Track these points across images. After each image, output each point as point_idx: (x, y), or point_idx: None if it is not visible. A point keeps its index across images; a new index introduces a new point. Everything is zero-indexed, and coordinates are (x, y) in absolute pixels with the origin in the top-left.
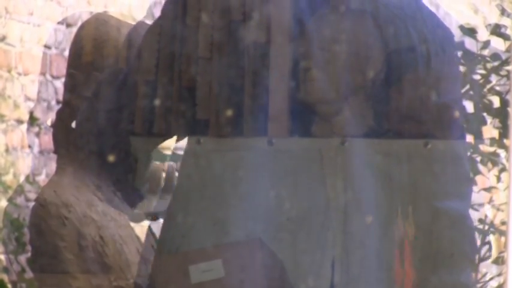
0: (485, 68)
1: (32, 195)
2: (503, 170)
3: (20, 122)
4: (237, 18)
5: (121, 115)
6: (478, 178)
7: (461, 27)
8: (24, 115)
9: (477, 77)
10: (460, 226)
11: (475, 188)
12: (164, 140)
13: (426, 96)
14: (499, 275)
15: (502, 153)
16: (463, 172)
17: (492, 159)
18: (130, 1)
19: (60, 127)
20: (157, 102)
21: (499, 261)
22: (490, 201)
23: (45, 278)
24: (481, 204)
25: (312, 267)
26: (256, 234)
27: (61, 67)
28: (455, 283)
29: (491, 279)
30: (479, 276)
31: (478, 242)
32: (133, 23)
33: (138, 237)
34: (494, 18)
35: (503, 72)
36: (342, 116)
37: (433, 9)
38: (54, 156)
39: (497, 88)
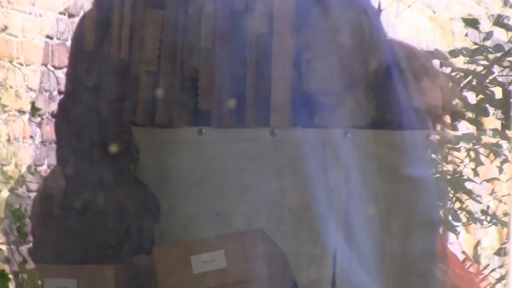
0: (487, 59)
1: (34, 186)
2: (505, 161)
3: (21, 112)
4: (239, 8)
5: (123, 105)
6: (480, 169)
7: (464, 19)
8: (26, 105)
9: (479, 68)
10: (428, 197)
11: (477, 179)
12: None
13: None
14: (501, 266)
15: (504, 144)
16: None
17: (494, 150)
18: None
19: (62, 117)
20: (159, 92)
21: (501, 252)
22: (492, 192)
23: (47, 268)
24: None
25: (313, 258)
26: (258, 225)
27: (63, 57)
28: (423, 250)
29: (493, 270)
30: (481, 267)
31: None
32: None
33: None
34: (497, 9)
35: (505, 63)
36: (345, 107)
37: (435, 1)
38: (55, 147)
39: (500, 79)
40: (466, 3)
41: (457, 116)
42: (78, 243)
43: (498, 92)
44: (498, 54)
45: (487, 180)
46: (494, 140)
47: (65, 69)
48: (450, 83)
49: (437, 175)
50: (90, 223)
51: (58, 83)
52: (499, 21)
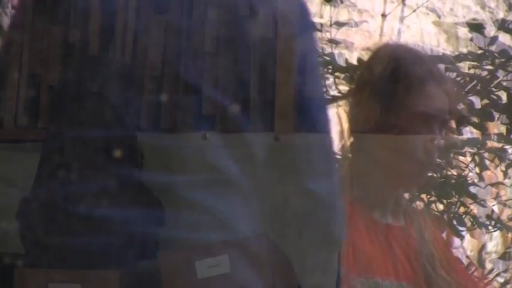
0: (492, 64)
1: None
2: (510, 165)
3: None
4: (243, 13)
5: (127, 110)
6: (485, 174)
7: (469, 23)
8: None
9: (484, 72)
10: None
11: (482, 184)
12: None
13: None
14: (506, 270)
15: (509, 149)
16: None
17: (499, 155)
18: None
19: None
20: (163, 97)
21: (506, 257)
22: (497, 197)
23: (50, 273)
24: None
25: (318, 263)
26: (263, 230)
27: None
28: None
29: (497, 275)
30: (486, 272)
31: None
32: None
33: None
34: (502, 13)
35: (510, 68)
36: (349, 111)
37: (440, 5)
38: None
39: (505, 84)
40: (470, 8)
41: (462, 120)
42: (82, 249)
43: (503, 97)
44: (503, 59)
45: (492, 185)
46: (499, 145)
47: None
48: (455, 88)
49: (442, 179)
50: (94, 229)
51: None
52: (503, 26)
